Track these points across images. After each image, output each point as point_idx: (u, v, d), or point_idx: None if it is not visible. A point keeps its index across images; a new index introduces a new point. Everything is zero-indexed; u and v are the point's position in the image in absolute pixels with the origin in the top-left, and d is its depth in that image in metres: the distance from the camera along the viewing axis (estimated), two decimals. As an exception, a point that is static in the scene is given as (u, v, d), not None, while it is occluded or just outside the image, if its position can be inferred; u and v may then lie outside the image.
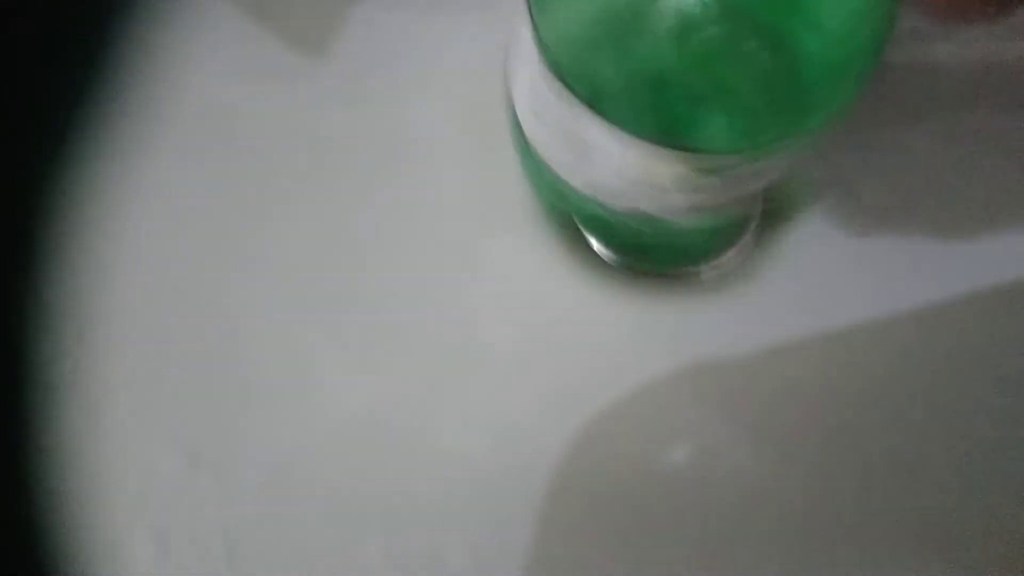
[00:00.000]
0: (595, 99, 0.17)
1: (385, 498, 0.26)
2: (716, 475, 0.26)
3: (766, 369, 0.26)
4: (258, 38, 0.29)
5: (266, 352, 0.28)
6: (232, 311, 0.28)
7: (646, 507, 0.26)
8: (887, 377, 0.26)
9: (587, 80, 0.17)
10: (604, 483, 0.26)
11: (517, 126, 0.22)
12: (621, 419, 0.26)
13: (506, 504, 0.26)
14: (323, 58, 0.29)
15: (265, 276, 0.28)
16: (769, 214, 0.26)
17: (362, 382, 0.27)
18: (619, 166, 0.18)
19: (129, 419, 0.27)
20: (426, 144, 0.28)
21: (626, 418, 0.26)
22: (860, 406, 0.26)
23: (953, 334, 0.27)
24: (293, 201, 0.29)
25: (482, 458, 0.27)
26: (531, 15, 0.17)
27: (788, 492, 0.26)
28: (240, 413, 0.27)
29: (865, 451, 0.26)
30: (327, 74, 0.29)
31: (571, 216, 0.25)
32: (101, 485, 0.27)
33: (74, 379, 0.27)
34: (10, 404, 0.27)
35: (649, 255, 0.26)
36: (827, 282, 0.27)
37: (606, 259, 0.26)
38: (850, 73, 0.17)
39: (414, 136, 0.28)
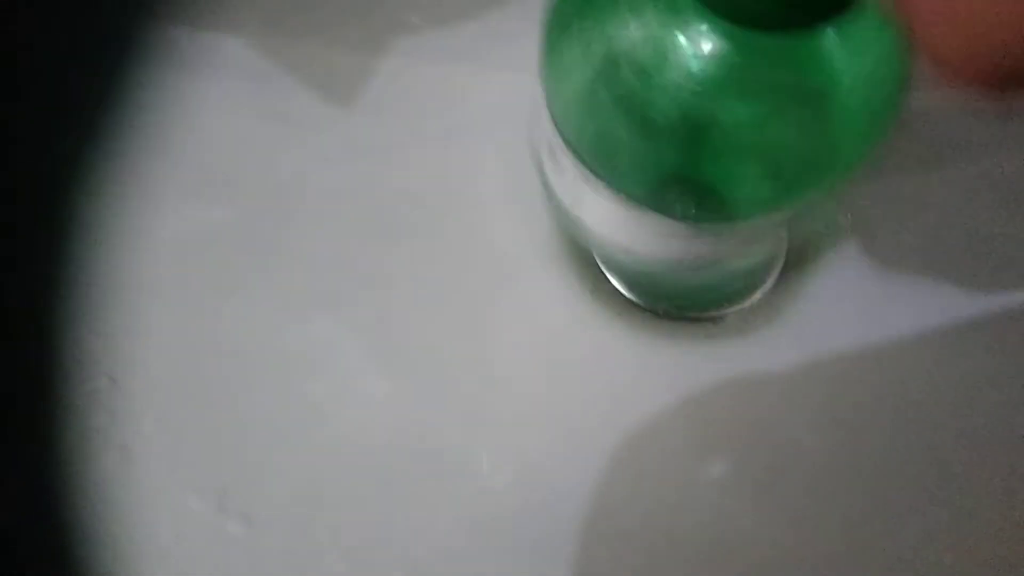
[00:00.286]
0: (608, 164, 0.17)
1: (408, 533, 0.27)
2: (734, 519, 0.26)
3: (789, 409, 0.27)
4: (286, 86, 0.30)
5: (292, 392, 0.28)
6: (258, 351, 0.28)
7: (663, 547, 0.26)
8: (911, 418, 0.26)
9: (601, 146, 0.18)
10: (624, 522, 0.26)
11: (542, 172, 0.23)
12: (639, 459, 0.27)
13: (527, 539, 0.26)
14: (351, 107, 0.30)
15: (293, 314, 0.29)
16: (792, 256, 0.26)
17: (387, 417, 0.28)
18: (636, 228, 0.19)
19: (158, 462, 0.28)
20: (454, 188, 0.29)
21: (643, 457, 0.27)
22: (887, 446, 0.26)
23: (972, 375, 0.27)
24: (321, 242, 0.29)
25: (504, 494, 0.27)
26: (544, 84, 0.18)
27: (807, 541, 0.26)
28: (266, 453, 0.27)
29: (892, 499, 0.26)
30: (356, 122, 0.30)
31: (595, 258, 0.26)
32: (132, 528, 0.27)
33: (105, 423, 0.28)
34: (43, 448, 0.27)
35: (672, 298, 0.26)
36: (848, 323, 0.27)
37: (631, 299, 0.27)
38: (875, 124, 0.17)
39: (442, 181, 0.29)
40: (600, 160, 0.18)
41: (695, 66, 0.15)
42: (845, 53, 0.16)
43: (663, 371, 0.27)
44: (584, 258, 0.27)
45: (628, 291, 0.26)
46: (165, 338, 0.29)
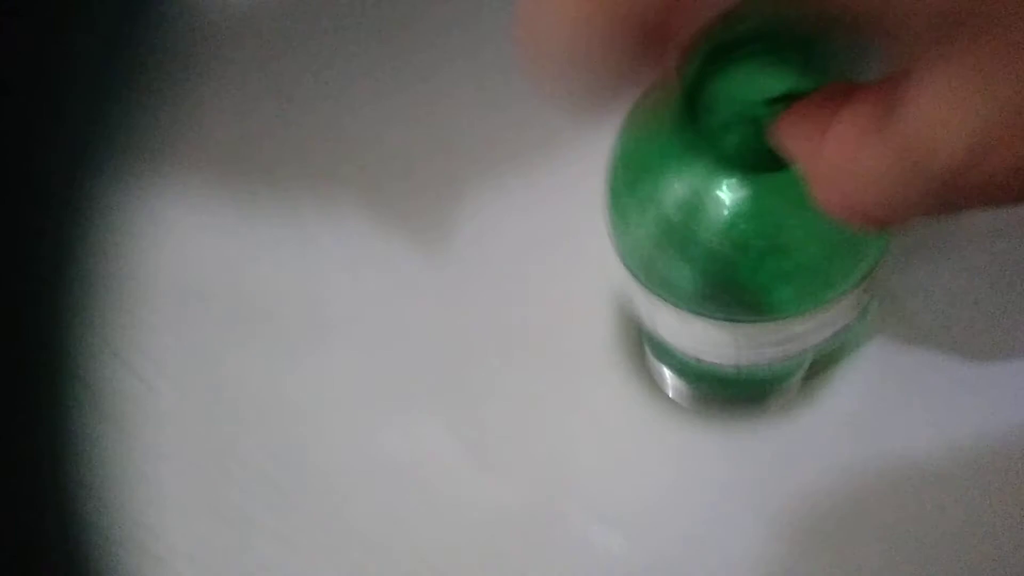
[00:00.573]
0: (669, 288, 0.22)
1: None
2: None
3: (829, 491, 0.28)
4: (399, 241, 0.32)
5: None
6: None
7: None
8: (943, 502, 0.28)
9: (659, 272, 0.22)
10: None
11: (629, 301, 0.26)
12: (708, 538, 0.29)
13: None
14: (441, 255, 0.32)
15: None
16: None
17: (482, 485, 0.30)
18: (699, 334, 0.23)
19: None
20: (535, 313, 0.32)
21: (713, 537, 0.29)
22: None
23: (1001, 459, 0.28)
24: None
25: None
26: (611, 233, 0.22)
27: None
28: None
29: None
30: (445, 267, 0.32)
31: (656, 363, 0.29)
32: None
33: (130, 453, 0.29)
34: (65, 481, 0.28)
35: (724, 395, 0.29)
36: (881, 405, 0.29)
37: (681, 402, 0.30)
38: (845, 274, 0.21)
39: (524, 310, 0.32)
40: (663, 286, 0.22)
41: (724, 209, 0.20)
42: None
43: (714, 461, 0.30)
44: (647, 372, 0.30)
45: (682, 393, 0.30)
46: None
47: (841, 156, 0.13)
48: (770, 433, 0.29)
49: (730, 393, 0.29)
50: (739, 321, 0.21)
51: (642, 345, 0.30)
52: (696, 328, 0.22)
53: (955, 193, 0.12)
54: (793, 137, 0.15)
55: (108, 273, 0.32)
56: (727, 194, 0.20)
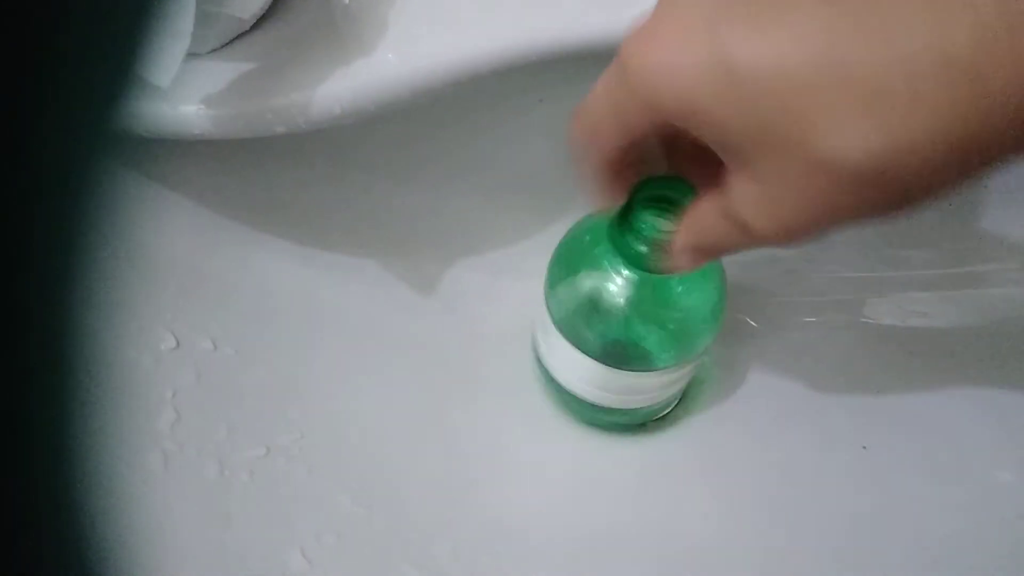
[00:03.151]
0: (579, 339, 0.34)
1: None
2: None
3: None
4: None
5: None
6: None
7: None
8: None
9: (577, 330, 0.34)
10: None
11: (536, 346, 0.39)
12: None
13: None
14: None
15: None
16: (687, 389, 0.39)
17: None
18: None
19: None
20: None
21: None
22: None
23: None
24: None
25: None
26: (547, 298, 0.35)
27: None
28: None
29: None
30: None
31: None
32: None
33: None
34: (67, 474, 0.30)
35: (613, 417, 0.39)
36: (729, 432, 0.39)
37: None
38: (715, 313, 0.34)
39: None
40: (576, 337, 0.34)
41: (623, 293, 0.33)
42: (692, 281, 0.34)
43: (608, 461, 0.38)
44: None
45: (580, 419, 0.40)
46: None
47: (704, 221, 0.25)
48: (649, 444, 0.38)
49: (614, 420, 0.39)
50: (621, 368, 0.34)
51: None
52: (595, 372, 0.34)
53: (744, 231, 0.23)
54: (685, 223, 0.26)
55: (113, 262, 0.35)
56: (620, 285, 0.33)
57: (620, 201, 0.28)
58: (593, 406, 0.37)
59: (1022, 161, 0.20)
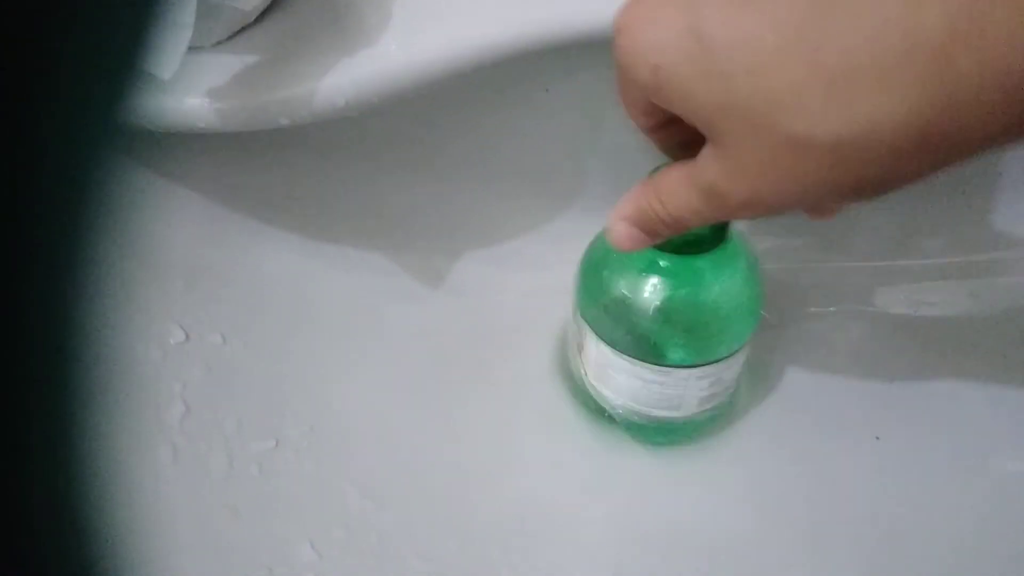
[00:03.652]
0: (612, 335, 0.33)
1: None
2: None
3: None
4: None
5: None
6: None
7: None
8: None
9: (610, 327, 0.33)
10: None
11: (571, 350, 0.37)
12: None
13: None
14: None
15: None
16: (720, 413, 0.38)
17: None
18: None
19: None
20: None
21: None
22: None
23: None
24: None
25: None
26: (576, 297, 0.34)
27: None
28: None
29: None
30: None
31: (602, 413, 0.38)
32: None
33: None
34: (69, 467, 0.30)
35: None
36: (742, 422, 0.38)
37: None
38: (746, 323, 0.34)
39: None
40: (609, 334, 0.33)
41: (654, 287, 0.33)
42: (723, 262, 0.33)
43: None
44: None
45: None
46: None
47: (674, 192, 0.25)
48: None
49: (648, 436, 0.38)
50: (648, 363, 0.33)
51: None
52: (626, 366, 0.33)
53: (714, 200, 0.23)
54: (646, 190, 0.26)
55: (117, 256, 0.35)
56: (649, 285, 0.33)
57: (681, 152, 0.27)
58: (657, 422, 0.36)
59: (993, 152, 0.20)
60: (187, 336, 0.36)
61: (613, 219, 0.26)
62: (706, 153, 0.23)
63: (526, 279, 0.39)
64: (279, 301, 0.38)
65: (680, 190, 0.24)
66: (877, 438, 0.37)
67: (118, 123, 0.13)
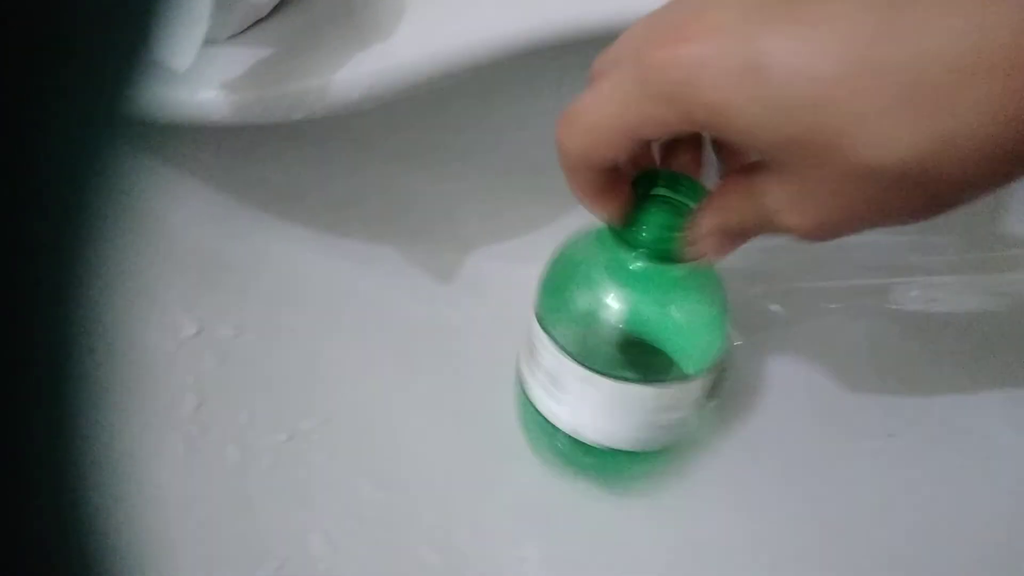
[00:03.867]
0: (583, 351, 0.31)
1: None
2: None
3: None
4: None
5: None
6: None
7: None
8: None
9: (579, 341, 0.31)
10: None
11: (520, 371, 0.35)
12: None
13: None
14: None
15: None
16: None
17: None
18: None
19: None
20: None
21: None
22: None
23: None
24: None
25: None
26: (538, 310, 0.33)
27: None
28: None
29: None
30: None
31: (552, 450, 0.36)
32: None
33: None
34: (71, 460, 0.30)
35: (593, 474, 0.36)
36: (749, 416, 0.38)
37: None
38: (714, 345, 0.32)
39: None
40: (578, 349, 0.31)
41: (622, 291, 0.31)
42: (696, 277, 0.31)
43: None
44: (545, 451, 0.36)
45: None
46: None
47: (732, 205, 0.24)
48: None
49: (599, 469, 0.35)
50: (617, 379, 0.31)
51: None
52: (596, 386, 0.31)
53: (773, 226, 0.23)
54: (709, 209, 0.26)
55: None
56: (615, 291, 0.31)
57: (618, 214, 0.27)
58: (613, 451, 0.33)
59: None
60: (200, 328, 0.36)
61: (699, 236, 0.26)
62: (768, 181, 0.22)
63: (537, 275, 0.39)
64: (292, 294, 0.39)
65: (744, 213, 0.24)
66: (890, 435, 0.37)
67: (124, 112, 0.13)
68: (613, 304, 0.31)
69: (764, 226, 0.24)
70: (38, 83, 0.11)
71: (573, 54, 0.32)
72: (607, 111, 0.23)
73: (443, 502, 0.35)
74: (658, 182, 0.28)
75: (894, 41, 0.19)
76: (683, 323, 0.32)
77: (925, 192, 0.20)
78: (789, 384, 0.39)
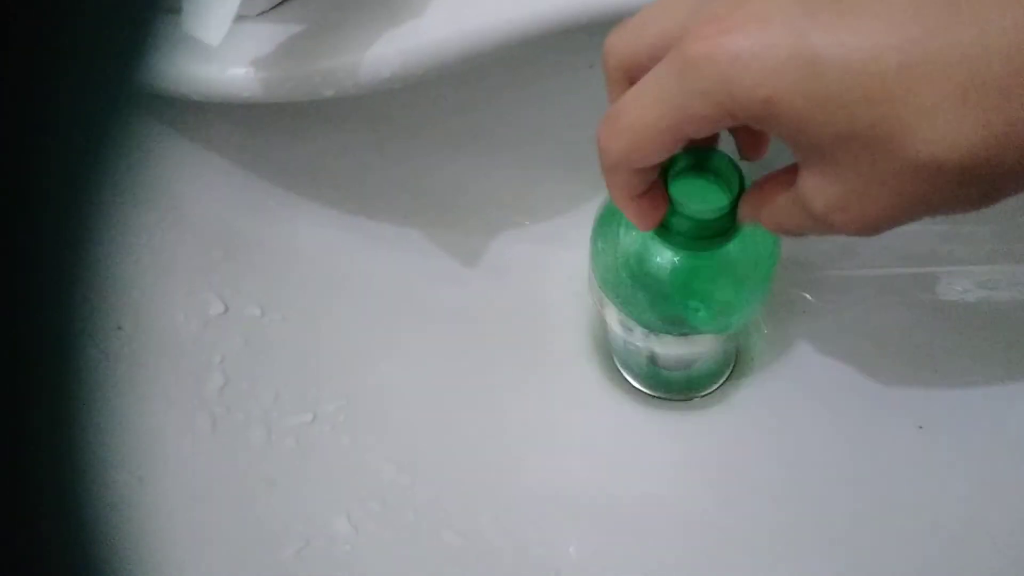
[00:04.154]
0: (628, 306, 0.33)
1: None
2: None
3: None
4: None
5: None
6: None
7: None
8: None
9: (624, 297, 0.33)
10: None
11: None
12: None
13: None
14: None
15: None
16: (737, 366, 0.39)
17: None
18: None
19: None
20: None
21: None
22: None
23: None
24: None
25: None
26: (592, 266, 0.34)
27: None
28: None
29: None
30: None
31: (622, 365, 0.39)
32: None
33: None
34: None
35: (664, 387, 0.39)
36: (780, 410, 0.38)
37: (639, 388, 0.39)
38: (762, 285, 0.33)
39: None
40: (624, 304, 0.33)
41: (661, 264, 0.32)
42: (737, 250, 0.31)
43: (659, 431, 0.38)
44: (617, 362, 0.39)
45: (637, 383, 0.39)
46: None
47: (774, 206, 0.24)
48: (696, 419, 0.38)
49: (665, 389, 0.38)
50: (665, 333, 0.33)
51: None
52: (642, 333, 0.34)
53: (820, 224, 0.23)
54: (750, 201, 0.26)
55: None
56: (658, 256, 0.32)
57: (653, 223, 0.27)
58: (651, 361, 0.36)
59: None
60: (226, 308, 0.36)
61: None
62: (814, 182, 0.22)
63: (566, 259, 0.39)
64: (317, 275, 0.38)
65: (789, 212, 0.23)
66: (920, 427, 0.37)
67: (138, 82, 0.13)
68: (638, 272, 0.32)
69: (813, 228, 0.23)
70: (48, 55, 0.11)
71: (607, 33, 0.32)
72: (648, 109, 0.22)
73: (466, 486, 0.35)
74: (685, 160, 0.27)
75: (952, 33, 0.18)
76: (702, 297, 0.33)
77: (982, 184, 0.20)
78: (818, 372, 0.38)
